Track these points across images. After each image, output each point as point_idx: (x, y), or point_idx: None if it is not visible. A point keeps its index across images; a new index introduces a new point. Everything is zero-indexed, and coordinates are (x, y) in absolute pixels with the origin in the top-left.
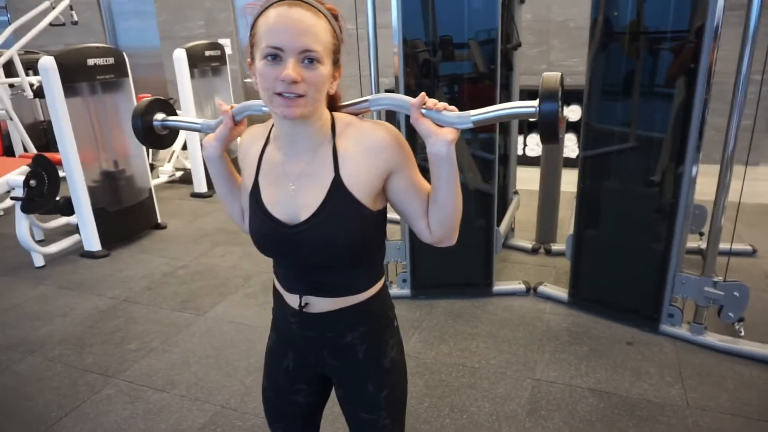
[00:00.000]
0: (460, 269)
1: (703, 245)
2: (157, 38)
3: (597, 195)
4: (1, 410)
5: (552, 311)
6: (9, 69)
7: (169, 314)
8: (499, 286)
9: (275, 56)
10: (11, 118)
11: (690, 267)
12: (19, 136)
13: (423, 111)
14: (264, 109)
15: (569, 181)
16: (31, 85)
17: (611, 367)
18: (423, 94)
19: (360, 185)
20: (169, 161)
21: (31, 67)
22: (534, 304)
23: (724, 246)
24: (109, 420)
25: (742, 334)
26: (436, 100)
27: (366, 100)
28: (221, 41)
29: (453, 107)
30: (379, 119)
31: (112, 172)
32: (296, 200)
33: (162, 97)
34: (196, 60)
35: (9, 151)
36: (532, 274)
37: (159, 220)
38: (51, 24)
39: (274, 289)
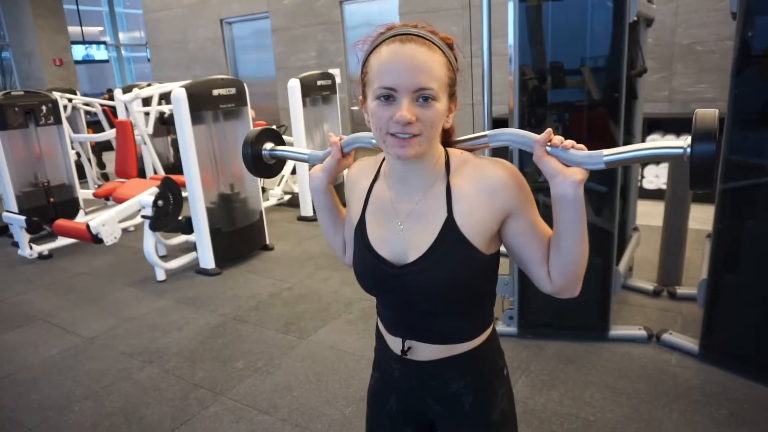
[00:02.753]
0: (573, 309)
1: None
2: (272, 69)
3: (738, 235)
4: (124, 414)
5: (679, 364)
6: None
7: (273, 335)
8: (616, 331)
9: (388, 96)
10: (146, 143)
11: None
12: (151, 159)
13: (548, 149)
14: (373, 141)
15: (696, 218)
16: (162, 114)
17: None
18: (549, 130)
19: (474, 227)
20: (278, 185)
21: (164, 97)
22: (657, 354)
23: None
24: None
25: None
26: (562, 138)
27: (484, 135)
28: (332, 71)
29: (582, 146)
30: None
31: (228, 195)
32: (405, 240)
33: (272, 127)
34: (308, 89)
35: (141, 173)
36: (654, 320)
37: (267, 242)
38: None
39: (377, 329)
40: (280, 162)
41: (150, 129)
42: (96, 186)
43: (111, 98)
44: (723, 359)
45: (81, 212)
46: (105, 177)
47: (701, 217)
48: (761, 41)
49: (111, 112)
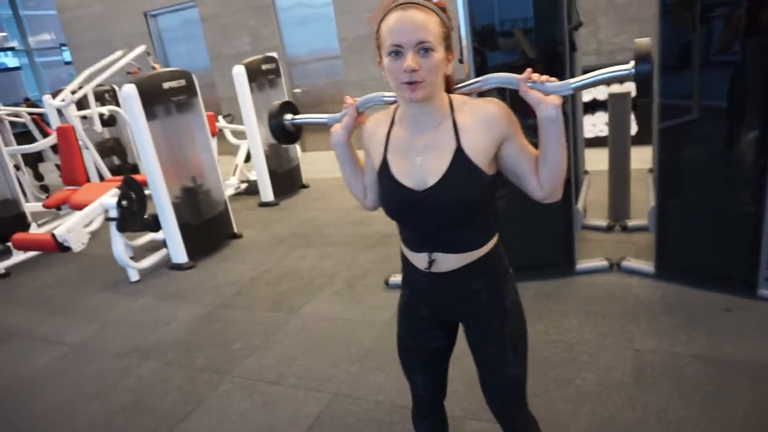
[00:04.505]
0: (543, 250)
1: None
2: (206, 59)
3: (677, 165)
4: (135, 407)
5: (639, 284)
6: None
7: (264, 315)
8: (582, 265)
9: (397, 53)
10: (87, 148)
11: None
12: (95, 163)
13: (529, 84)
14: (384, 99)
15: (636, 158)
16: (102, 115)
17: (711, 333)
18: (529, 69)
19: (478, 152)
20: (233, 174)
21: (99, 98)
22: (620, 279)
23: None
24: (233, 411)
25: None
26: (538, 74)
27: (477, 81)
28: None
29: (554, 78)
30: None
31: (192, 188)
32: (423, 169)
33: (289, 100)
34: (254, 74)
35: None
36: (612, 251)
37: (235, 230)
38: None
39: (402, 254)
40: (299, 130)
41: (99, 128)
42: (36, 199)
43: (30, 107)
44: (676, 275)
45: (33, 225)
46: (45, 189)
47: (640, 158)
48: None
49: (41, 121)
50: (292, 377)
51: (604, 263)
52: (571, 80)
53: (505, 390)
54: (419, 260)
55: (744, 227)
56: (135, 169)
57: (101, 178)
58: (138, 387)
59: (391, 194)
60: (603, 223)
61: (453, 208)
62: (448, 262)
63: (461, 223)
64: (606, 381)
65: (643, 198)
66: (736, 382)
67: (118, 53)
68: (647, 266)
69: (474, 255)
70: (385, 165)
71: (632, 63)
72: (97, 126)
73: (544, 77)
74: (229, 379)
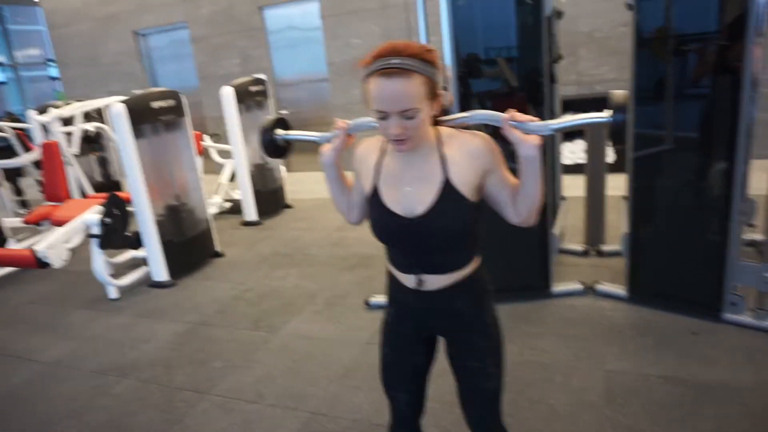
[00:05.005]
0: (519, 273)
1: (755, 237)
2: (194, 78)
3: (650, 194)
4: (111, 425)
5: (612, 308)
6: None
7: (244, 333)
8: (557, 288)
9: (383, 117)
10: (71, 164)
11: (745, 258)
12: (77, 179)
13: (512, 123)
14: (375, 125)
15: (611, 186)
16: (86, 131)
17: (680, 355)
18: (512, 110)
19: (464, 183)
20: (217, 193)
21: (85, 115)
22: (593, 302)
23: None
24: (211, 430)
25: None
26: (520, 114)
27: (465, 116)
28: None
29: (536, 118)
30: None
31: (175, 206)
32: (412, 198)
33: (282, 117)
34: (242, 96)
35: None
36: (587, 275)
37: (218, 249)
38: None
39: (389, 273)
40: (290, 145)
41: (75, 149)
42: (14, 214)
43: (12, 121)
44: (647, 299)
45: (11, 241)
46: (24, 204)
47: (616, 185)
48: (651, 24)
49: (24, 135)
50: (270, 396)
51: (579, 287)
52: (552, 122)
53: (483, 402)
54: (408, 280)
55: (710, 254)
56: (117, 185)
57: (83, 194)
58: (114, 405)
59: (382, 220)
60: (579, 247)
61: (440, 235)
62: (436, 282)
63: (448, 248)
64: (578, 401)
65: (618, 224)
66: (700, 404)
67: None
68: (620, 290)
69: (459, 275)
70: (376, 192)
71: (609, 112)
72: (74, 146)
73: (527, 117)
74: (208, 398)
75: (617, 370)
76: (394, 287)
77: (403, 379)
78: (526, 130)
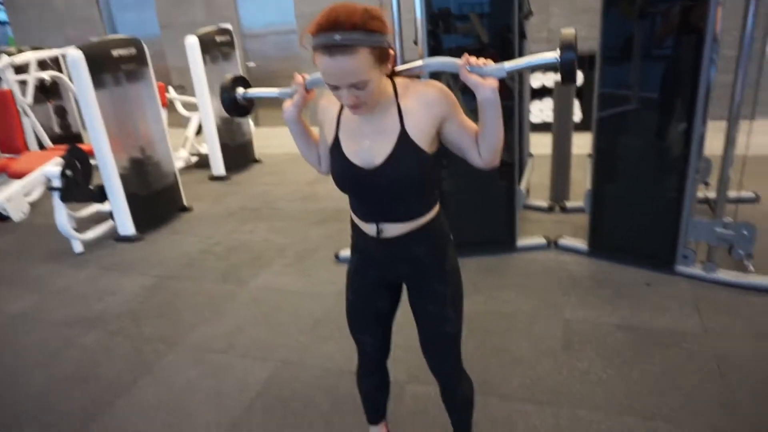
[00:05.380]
0: (485, 228)
1: (709, 194)
2: (156, 27)
3: (613, 152)
4: (79, 376)
5: (573, 261)
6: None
7: (213, 287)
8: (522, 242)
9: (334, 87)
10: (27, 114)
11: (698, 214)
12: (34, 130)
13: (468, 68)
14: None
15: (577, 144)
16: (42, 80)
17: (633, 305)
18: (466, 54)
19: (421, 134)
20: (183, 147)
21: (40, 63)
22: (556, 256)
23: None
24: (180, 379)
25: (752, 269)
26: (475, 58)
27: (419, 64)
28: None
29: (490, 61)
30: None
31: (140, 159)
32: (371, 151)
33: (241, 74)
34: (207, 46)
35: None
36: (551, 230)
37: (185, 203)
38: None
39: (352, 221)
40: (251, 104)
41: (29, 98)
42: None
43: None
44: (606, 253)
45: None
46: None
47: (582, 143)
48: None
49: None
50: (240, 347)
51: (542, 241)
52: (506, 63)
53: (443, 346)
54: (369, 229)
55: (667, 211)
56: (78, 138)
57: (41, 146)
58: (82, 356)
59: (342, 171)
60: (544, 203)
61: (397, 185)
62: (395, 230)
63: (405, 198)
64: (537, 348)
65: (583, 181)
66: (650, 348)
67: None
68: (582, 244)
69: (417, 223)
70: (336, 143)
71: (558, 51)
72: (28, 96)
73: (482, 60)
74: (177, 349)
75: (575, 318)
76: (357, 236)
77: (368, 323)
78: (483, 74)
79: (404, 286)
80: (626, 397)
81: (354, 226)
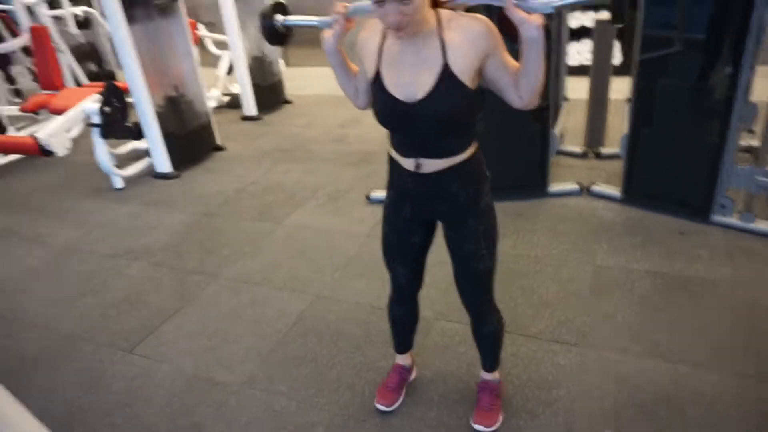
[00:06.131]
0: (517, 172)
1: (753, 143)
2: None
3: (653, 96)
4: (128, 303)
5: (605, 207)
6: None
7: (250, 224)
8: (554, 187)
9: (379, 2)
10: (62, 51)
11: (740, 163)
12: (70, 67)
13: (514, 2)
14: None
15: (615, 89)
16: (76, 16)
17: (665, 253)
18: None
19: (464, 69)
20: (215, 87)
21: None
22: (588, 202)
23: None
24: (222, 308)
25: None
26: None
27: None
28: None
29: None
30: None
31: (174, 97)
32: (413, 83)
33: (281, 1)
34: None
35: None
36: (584, 176)
37: (219, 143)
38: None
39: (390, 158)
40: (290, 32)
41: (75, 30)
42: (9, 103)
43: None
44: (639, 200)
45: (11, 129)
46: (18, 93)
47: (620, 88)
48: None
49: (9, 19)
50: (277, 280)
51: (575, 186)
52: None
53: (477, 281)
54: (407, 164)
55: (706, 157)
56: (112, 76)
57: (77, 83)
58: (129, 284)
59: (384, 105)
60: (578, 149)
61: (438, 119)
62: (433, 165)
63: (445, 133)
64: (566, 291)
65: (619, 127)
66: (679, 295)
67: None
68: (615, 191)
69: (455, 160)
70: (378, 76)
71: None
72: (72, 27)
73: None
74: (218, 281)
75: (605, 264)
76: (395, 171)
77: (402, 256)
78: (529, 9)
79: (439, 224)
80: (652, 341)
81: (392, 162)
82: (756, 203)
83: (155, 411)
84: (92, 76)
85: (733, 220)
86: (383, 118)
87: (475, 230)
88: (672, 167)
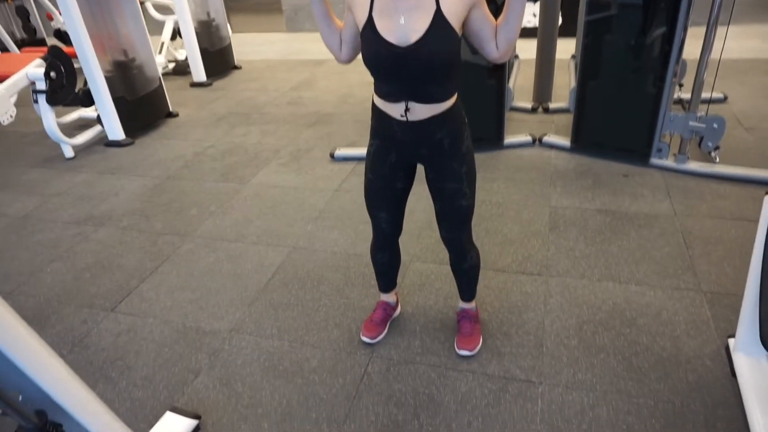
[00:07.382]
0: (476, 126)
1: (683, 95)
2: None
3: (598, 52)
4: (101, 266)
5: (557, 156)
6: None
7: (214, 185)
8: (509, 140)
9: None
10: None
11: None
12: None
13: None
14: None
15: (560, 49)
16: None
17: (612, 193)
18: None
19: (454, 15)
20: (159, 53)
21: None
22: (541, 153)
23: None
24: (199, 265)
25: (717, 160)
26: None
27: None
28: None
29: None
30: None
31: (124, 62)
32: (406, 27)
33: None
34: None
35: None
36: (535, 129)
37: (171, 109)
38: None
39: (376, 108)
40: None
41: None
42: None
43: None
44: (588, 148)
45: None
46: None
47: (562, 48)
48: None
49: None
50: (251, 236)
51: (528, 138)
52: None
53: (460, 218)
54: (395, 110)
55: (645, 108)
56: (43, 43)
57: (4, 50)
58: (99, 249)
59: (377, 50)
60: (528, 105)
61: (431, 62)
62: (421, 111)
63: (435, 77)
64: (527, 230)
65: (564, 84)
66: (626, 228)
67: None
68: (565, 141)
69: (441, 107)
70: (370, 23)
71: None
72: None
73: None
74: (191, 240)
75: (560, 205)
76: (381, 121)
77: (385, 201)
78: None
79: (419, 167)
80: (606, 267)
81: (378, 112)
82: (688, 146)
83: (148, 362)
84: (20, 44)
85: (670, 162)
86: (375, 64)
87: (458, 171)
88: (615, 117)
